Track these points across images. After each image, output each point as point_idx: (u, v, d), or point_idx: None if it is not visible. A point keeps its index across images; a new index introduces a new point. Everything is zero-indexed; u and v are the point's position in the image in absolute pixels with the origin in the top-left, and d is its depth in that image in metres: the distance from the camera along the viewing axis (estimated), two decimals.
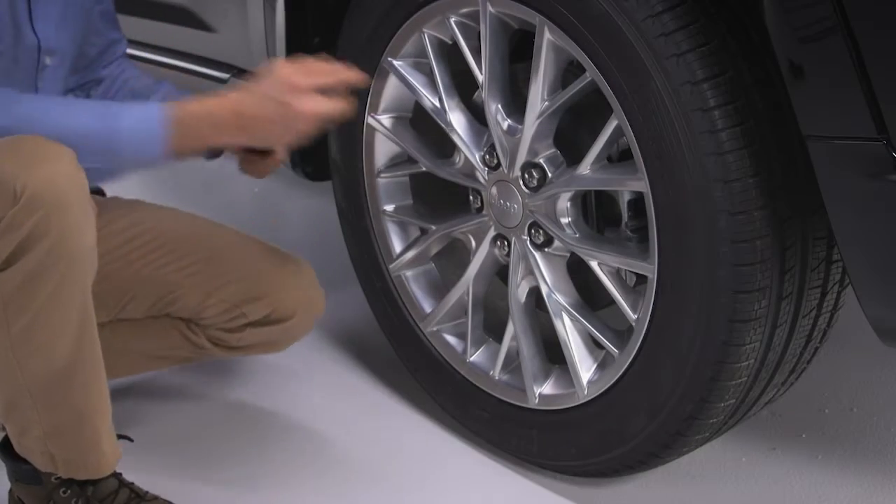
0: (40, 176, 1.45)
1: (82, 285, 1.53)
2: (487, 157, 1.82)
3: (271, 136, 1.63)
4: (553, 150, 1.74)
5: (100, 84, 1.99)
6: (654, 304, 1.62)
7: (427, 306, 2.05)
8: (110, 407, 1.65)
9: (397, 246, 2.07)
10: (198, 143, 1.61)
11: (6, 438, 1.74)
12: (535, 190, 1.75)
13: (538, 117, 1.69)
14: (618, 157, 1.74)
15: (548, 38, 1.63)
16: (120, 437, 1.70)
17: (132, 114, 1.58)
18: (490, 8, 1.70)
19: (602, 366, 1.78)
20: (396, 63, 1.91)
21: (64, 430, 1.61)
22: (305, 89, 1.58)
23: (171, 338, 1.96)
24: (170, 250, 1.86)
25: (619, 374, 1.71)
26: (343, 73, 1.65)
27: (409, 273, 2.07)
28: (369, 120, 1.99)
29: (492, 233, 1.87)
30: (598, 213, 1.78)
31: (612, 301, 1.74)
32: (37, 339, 1.52)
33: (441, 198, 1.95)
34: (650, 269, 1.61)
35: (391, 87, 1.95)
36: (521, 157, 1.75)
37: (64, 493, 1.69)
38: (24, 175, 1.44)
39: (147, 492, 1.74)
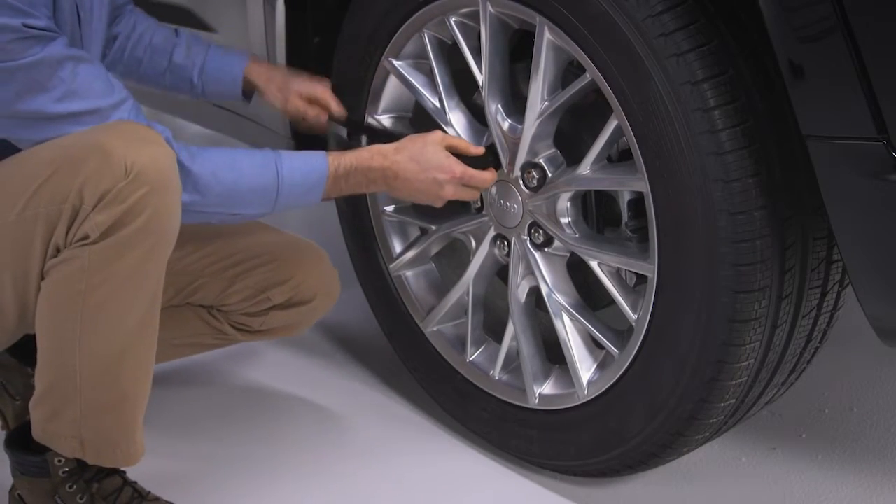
0: (147, 155, 1.52)
1: (161, 265, 1.58)
2: None
3: (412, 198, 1.81)
4: (553, 150, 1.74)
5: (114, 42, 2.00)
6: (654, 304, 1.62)
7: (427, 306, 2.05)
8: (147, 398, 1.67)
9: (397, 246, 2.07)
10: (348, 192, 1.77)
11: (13, 433, 1.76)
12: (535, 190, 1.75)
13: (538, 117, 1.69)
14: (618, 157, 1.74)
15: (548, 38, 1.63)
16: None
17: (297, 165, 1.71)
18: (490, 8, 1.70)
19: (602, 366, 1.78)
20: (396, 63, 1.91)
21: (104, 413, 1.62)
22: (460, 179, 1.75)
23: (193, 325, 1.98)
24: (187, 241, 1.87)
25: (619, 374, 1.71)
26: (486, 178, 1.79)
27: (409, 273, 2.07)
28: (369, 120, 1.99)
29: (492, 233, 1.87)
30: (598, 213, 1.78)
31: (612, 301, 1.74)
32: (108, 313, 1.55)
33: None
34: (650, 269, 1.61)
35: (391, 87, 1.95)
36: (521, 157, 1.75)
37: (70, 488, 1.69)
38: (133, 153, 1.51)
39: (149, 492, 1.75)
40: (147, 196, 1.50)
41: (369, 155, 1.75)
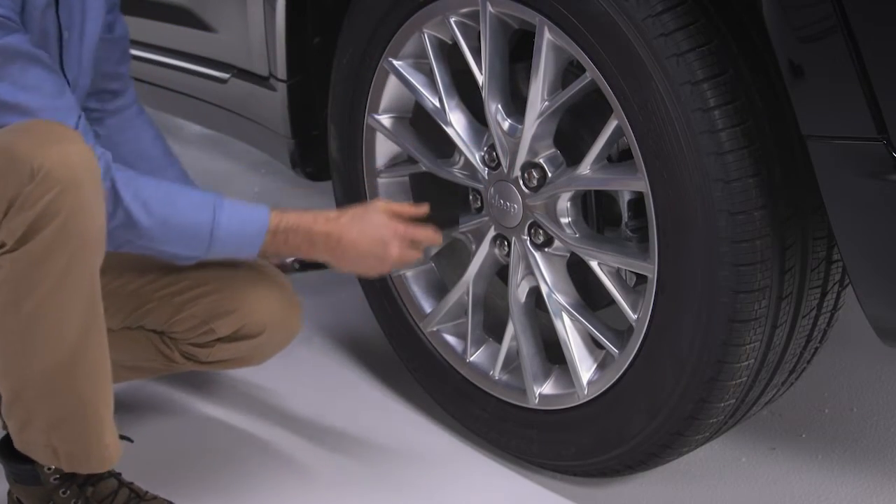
0: (56, 155, 1.46)
1: (91, 266, 1.53)
2: (487, 157, 1.82)
3: (358, 266, 1.77)
4: (553, 150, 1.74)
5: (102, 122, 1.93)
6: (654, 304, 1.62)
7: (427, 306, 2.05)
8: (113, 398, 1.64)
9: None
10: (288, 253, 1.77)
11: (6, 438, 1.74)
12: (535, 190, 1.75)
13: (538, 117, 1.69)
14: (618, 157, 1.74)
15: (548, 38, 1.63)
16: (121, 437, 1.70)
17: (237, 214, 1.67)
18: (490, 8, 1.70)
19: (602, 366, 1.78)
20: (396, 63, 1.91)
21: (68, 420, 1.59)
22: (405, 237, 1.75)
23: (144, 350, 1.91)
24: (140, 263, 1.84)
25: (619, 374, 1.71)
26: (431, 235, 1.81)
27: (409, 273, 2.06)
28: (369, 120, 1.99)
29: (492, 233, 1.87)
30: (598, 213, 1.78)
31: (612, 301, 1.74)
32: (46, 322, 1.51)
33: (441, 198, 1.95)
34: (650, 269, 1.61)
35: (391, 87, 1.95)
36: (521, 157, 1.74)
37: (63, 493, 1.68)
38: (40, 154, 1.45)
39: (147, 491, 1.74)
40: (59, 197, 1.45)
41: (313, 218, 1.73)
